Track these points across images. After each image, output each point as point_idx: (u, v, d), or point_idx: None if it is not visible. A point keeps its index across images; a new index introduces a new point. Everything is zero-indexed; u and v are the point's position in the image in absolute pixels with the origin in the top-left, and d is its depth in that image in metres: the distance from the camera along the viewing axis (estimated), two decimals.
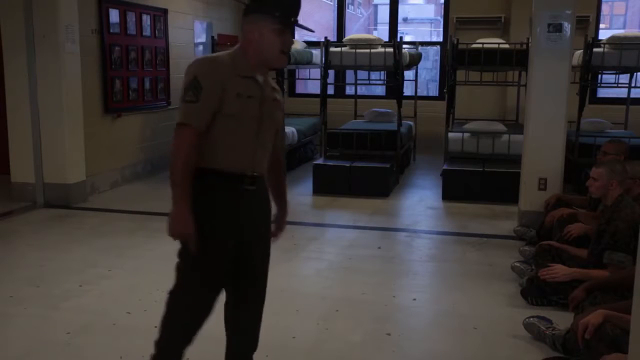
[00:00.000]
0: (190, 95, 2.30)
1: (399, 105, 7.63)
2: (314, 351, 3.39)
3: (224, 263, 2.53)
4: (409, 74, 9.00)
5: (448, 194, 6.88)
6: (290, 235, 5.47)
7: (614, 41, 6.75)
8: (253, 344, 2.83)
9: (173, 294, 2.55)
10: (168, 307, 2.54)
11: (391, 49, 7.49)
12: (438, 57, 11.35)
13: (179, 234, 2.36)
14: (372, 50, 7.53)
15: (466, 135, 7.33)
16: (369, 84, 10.10)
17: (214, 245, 2.44)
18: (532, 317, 3.52)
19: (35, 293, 4.14)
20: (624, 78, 7.93)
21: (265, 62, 2.45)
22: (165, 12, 8.27)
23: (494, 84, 8.64)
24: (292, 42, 2.54)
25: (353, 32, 11.85)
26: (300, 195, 7.16)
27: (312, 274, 4.60)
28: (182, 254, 2.48)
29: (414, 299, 4.15)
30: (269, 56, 2.43)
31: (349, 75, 10.42)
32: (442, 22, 11.03)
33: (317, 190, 7.14)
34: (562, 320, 3.46)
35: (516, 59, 7.17)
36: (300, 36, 11.94)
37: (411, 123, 9.13)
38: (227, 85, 2.34)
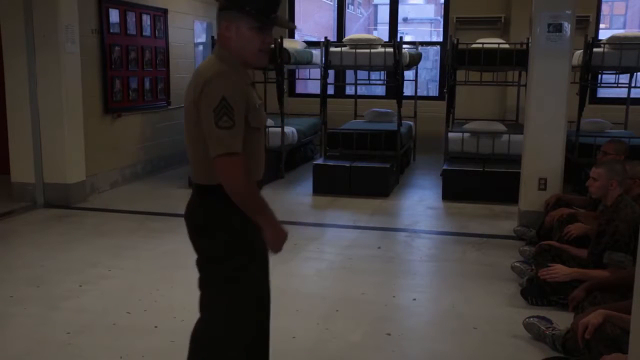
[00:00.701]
0: (227, 121, 2.14)
1: (399, 105, 7.63)
2: (314, 351, 3.39)
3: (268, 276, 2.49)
4: (409, 74, 9.00)
5: (448, 194, 6.88)
6: (290, 235, 5.47)
7: (614, 41, 6.75)
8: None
9: (216, 323, 2.39)
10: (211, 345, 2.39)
11: (391, 49, 7.49)
12: (438, 57, 11.35)
13: (283, 244, 2.37)
14: (372, 50, 7.53)
15: (466, 135, 7.33)
16: (369, 84, 10.10)
17: (263, 259, 2.46)
18: (532, 317, 3.52)
19: (35, 293, 4.14)
20: (624, 78, 7.92)
21: (244, 61, 2.32)
22: (165, 12, 8.27)
23: (494, 84, 8.64)
24: (272, 41, 2.43)
25: (353, 32, 11.85)
26: (300, 195, 7.17)
27: (312, 274, 4.61)
28: (232, 280, 2.34)
29: (414, 299, 4.15)
30: (248, 55, 2.29)
31: (349, 75, 10.42)
32: (442, 22, 11.02)
33: (317, 190, 7.14)
34: (562, 320, 3.46)
35: (516, 59, 7.17)
36: (300, 36, 11.95)
37: (411, 123, 9.13)
38: (248, 98, 2.25)
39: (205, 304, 2.40)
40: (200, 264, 2.39)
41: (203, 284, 2.40)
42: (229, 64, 2.26)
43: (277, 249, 2.36)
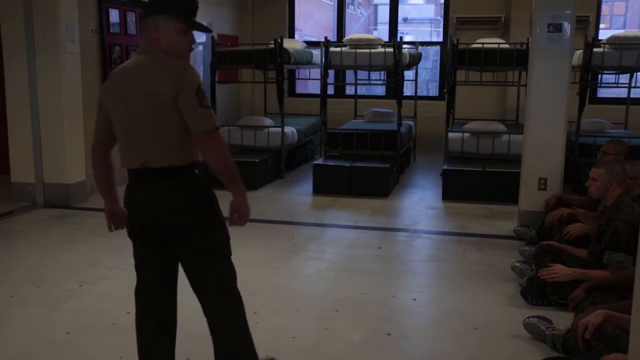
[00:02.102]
0: (207, 102, 2.49)
1: (399, 105, 7.63)
2: (314, 351, 3.39)
3: None
4: (409, 74, 9.00)
5: (448, 194, 6.88)
6: (290, 235, 5.48)
7: (614, 41, 6.75)
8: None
9: (226, 283, 2.67)
10: (233, 308, 2.68)
11: (391, 49, 7.49)
12: (438, 57, 11.35)
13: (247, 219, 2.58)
14: (372, 50, 7.53)
15: (466, 135, 7.33)
16: (369, 84, 10.10)
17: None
18: (532, 317, 3.52)
19: (35, 293, 4.14)
20: (624, 78, 7.93)
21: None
22: None
23: (494, 84, 8.65)
24: (195, 41, 2.68)
25: (353, 32, 11.86)
26: (300, 195, 7.17)
27: (312, 274, 4.60)
28: (222, 250, 2.65)
29: (414, 299, 4.15)
30: (181, 55, 2.58)
31: (349, 75, 10.42)
32: (442, 22, 11.02)
33: (317, 190, 7.14)
34: (562, 320, 3.46)
35: (516, 59, 7.17)
36: (300, 36, 11.96)
37: (411, 123, 9.13)
38: None
39: (199, 261, 2.61)
40: (191, 245, 2.57)
41: (202, 259, 2.60)
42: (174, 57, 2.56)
43: (244, 220, 2.56)
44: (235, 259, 2.75)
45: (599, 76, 7.69)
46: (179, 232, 2.55)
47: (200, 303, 2.67)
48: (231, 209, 2.54)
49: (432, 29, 16.67)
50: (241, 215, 2.54)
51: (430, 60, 12.42)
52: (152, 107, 2.48)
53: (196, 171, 2.58)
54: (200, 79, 2.51)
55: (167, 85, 2.45)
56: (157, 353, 2.74)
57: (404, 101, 7.76)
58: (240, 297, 2.70)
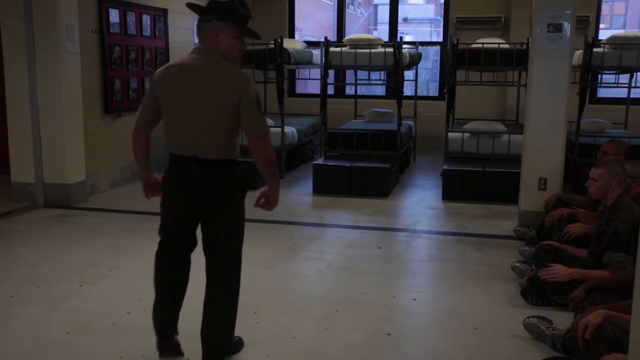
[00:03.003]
0: (262, 110, 3.00)
1: (399, 105, 7.63)
2: (314, 351, 3.39)
3: None
4: (409, 74, 8.99)
5: (448, 194, 6.88)
6: (290, 235, 5.48)
7: (614, 41, 6.75)
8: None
9: (234, 267, 3.09)
10: (235, 272, 3.09)
11: (391, 49, 7.48)
12: (438, 57, 11.35)
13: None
14: (372, 50, 7.53)
15: (466, 135, 7.33)
16: (369, 84, 10.10)
17: None
18: (532, 317, 3.52)
19: (35, 293, 4.14)
20: (624, 78, 7.92)
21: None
22: (165, 12, 8.27)
23: (494, 84, 8.64)
24: (246, 46, 3.12)
25: (353, 32, 11.85)
26: (300, 195, 7.16)
27: (312, 274, 4.60)
28: (242, 225, 3.10)
29: (414, 299, 4.15)
30: (234, 59, 2.98)
31: (349, 75, 10.42)
32: (442, 22, 11.02)
33: (317, 190, 7.14)
34: (562, 320, 3.46)
35: (516, 59, 7.17)
36: (300, 36, 11.96)
37: (411, 123, 9.13)
38: None
39: (225, 232, 3.04)
40: (222, 222, 3.02)
41: (227, 234, 3.04)
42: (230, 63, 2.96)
43: (272, 206, 3.06)
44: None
45: (599, 76, 7.69)
46: (212, 210, 2.99)
47: (210, 267, 3.08)
48: (262, 195, 3.03)
49: (432, 29, 16.67)
50: (271, 202, 3.03)
51: (430, 60, 12.42)
52: (215, 107, 2.90)
53: (236, 167, 3.02)
54: (256, 89, 2.95)
55: (234, 91, 2.88)
56: (176, 301, 3.19)
57: (404, 101, 7.76)
58: (240, 270, 3.12)
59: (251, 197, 3.01)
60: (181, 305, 3.20)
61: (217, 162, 2.95)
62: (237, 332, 3.23)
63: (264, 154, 2.96)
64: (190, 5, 3.09)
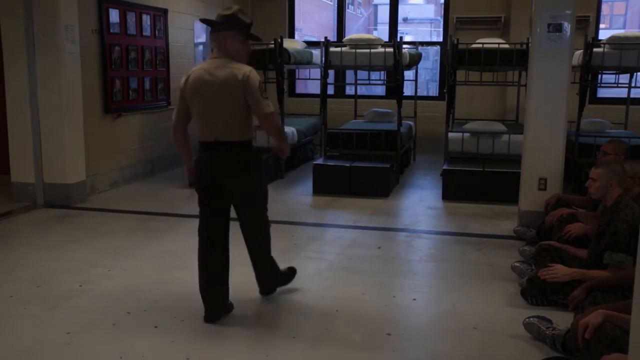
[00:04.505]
0: (266, 94, 3.65)
1: (399, 105, 7.63)
2: (314, 351, 3.39)
3: None
4: (409, 74, 8.99)
5: (448, 194, 6.89)
6: (290, 235, 5.48)
7: (614, 41, 6.75)
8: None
9: (262, 214, 3.92)
10: (264, 226, 3.93)
11: (391, 49, 7.48)
12: (438, 57, 11.35)
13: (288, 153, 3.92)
14: (372, 50, 7.53)
15: (466, 135, 7.33)
16: (369, 84, 10.09)
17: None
18: (532, 317, 3.52)
19: (35, 293, 4.14)
20: (624, 78, 7.91)
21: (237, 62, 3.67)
22: (165, 12, 8.27)
23: (494, 84, 8.64)
24: (251, 47, 3.85)
25: (353, 32, 11.85)
26: (300, 195, 7.17)
27: (312, 274, 4.60)
28: (263, 188, 3.90)
29: (414, 299, 4.15)
30: (243, 59, 3.66)
31: (349, 75, 10.42)
32: (442, 22, 11.02)
33: (317, 190, 7.14)
34: (562, 320, 3.46)
35: (516, 59, 7.16)
36: (300, 36, 11.96)
37: (411, 123, 9.13)
38: None
39: (251, 201, 3.79)
40: (245, 192, 3.72)
41: (250, 202, 3.80)
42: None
43: (284, 154, 3.88)
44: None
45: (599, 76, 7.68)
46: (238, 183, 3.64)
47: (245, 232, 3.83)
48: (275, 148, 3.87)
49: (432, 29, 16.68)
50: (283, 151, 3.85)
51: (430, 60, 12.42)
52: (227, 98, 3.56)
53: (251, 145, 3.71)
54: (259, 78, 3.60)
55: (239, 84, 3.53)
56: (220, 272, 3.74)
57: (404, 101, 7.76)
58: (269, 224, 3.96)
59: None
60: (227, 275, 3.74)
61: (234, 143, 3.62)
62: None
63: (273, 128, 3.75)
64: (204, 20, 3.88)
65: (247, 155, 3.68)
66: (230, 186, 3.65)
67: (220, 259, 3.74)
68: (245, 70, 3.56)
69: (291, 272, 4.19)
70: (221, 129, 3.60)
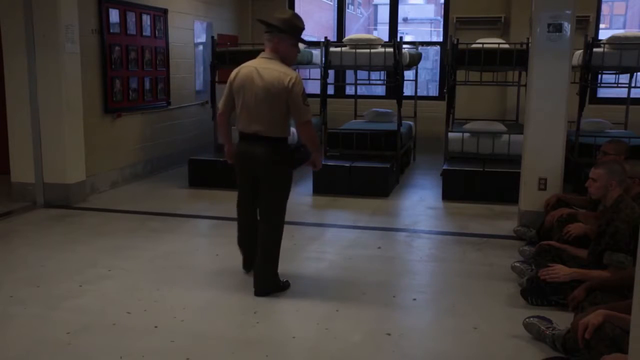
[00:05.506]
0: (307, 102, 3.94)
1: (399, 105, 7.63)
2: (314, 351, 3.39)
3: None
4: (409, 74, 8.99)
5: (448, 194, 6.89)
6: (291, 235, 5.47)
7: (614, 41, 6.75)
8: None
9: (279, 214, 4.15)
10: (277, 227, 4.14)
11: (391, 49, 7.48)
12: (438, 57, 11.35)
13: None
14: (372, 50, 7.53)
15: (466, 135, 7.33)
16: (369, 84, 10.09)
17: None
18: (532, 317, 3.52)
19: (35, 293, 4.14)
20: (624, 78, 7.92)
21: (285, 63, 4.03)
22: (165, 12, 8.27)
23: (494, 84, 8.64)
24: (300, 51, 4.24)
25: (353, 32, 11.85)
26: (300, 195, 7.16)
27: (312, 274, 4.60)
28: (286, 185, 4.14)
29: (414, 299, 4.15)
30: (290, 62, 4.05)
31: (349, 75, 10.41)
32: (442, 22, 11.03)
33: (317, 190, 7.14)
34: (562, 320, 3.46)
35: (516, 59, 7.16)
36: None
37: (411, 123, 9.12)
38: None
39: (271, 194, 4.08)
40: (269, 180, 4.04)
41: (272, 189, 4.07)
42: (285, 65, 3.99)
43: (318, 167, 4.36)
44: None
45: (599, 76, 7.68)
46: (268, 173, 3.99)
47: (260, 212, 4.14)
48: (310, 162, 4.24)
49: (432, 29, 16.69)
50: (316, 165, 4.28)
51: (430, 60, 12.43)
52: (271, 98, 3.87)
53: (286, 142, 4.06)
54: (303, 85, 3.93)
55: (284, 88, 3.85)
56: (249, 235, 4.25)
57: (404, 101, 7.76)
58: (284, 217, 4.18)
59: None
60: (255, 236, 4.17)
61: (269, 138, 3.95)
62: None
63: (308, 135, 4.06)
64: (261, 21, 4.12)
65: (278, 150, 4.00)
66: (259, 174, 4.01)
67: (249, 223, 4.24)
68: (292, 76, 3.86)
69: (284, 286, 4.19)
70: (260, 125, 3.92)
